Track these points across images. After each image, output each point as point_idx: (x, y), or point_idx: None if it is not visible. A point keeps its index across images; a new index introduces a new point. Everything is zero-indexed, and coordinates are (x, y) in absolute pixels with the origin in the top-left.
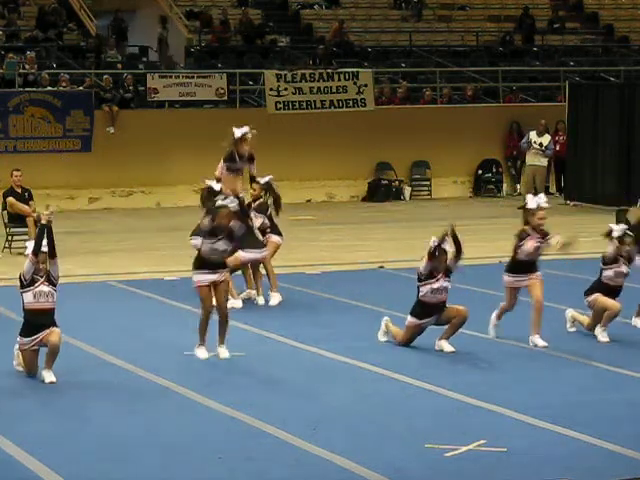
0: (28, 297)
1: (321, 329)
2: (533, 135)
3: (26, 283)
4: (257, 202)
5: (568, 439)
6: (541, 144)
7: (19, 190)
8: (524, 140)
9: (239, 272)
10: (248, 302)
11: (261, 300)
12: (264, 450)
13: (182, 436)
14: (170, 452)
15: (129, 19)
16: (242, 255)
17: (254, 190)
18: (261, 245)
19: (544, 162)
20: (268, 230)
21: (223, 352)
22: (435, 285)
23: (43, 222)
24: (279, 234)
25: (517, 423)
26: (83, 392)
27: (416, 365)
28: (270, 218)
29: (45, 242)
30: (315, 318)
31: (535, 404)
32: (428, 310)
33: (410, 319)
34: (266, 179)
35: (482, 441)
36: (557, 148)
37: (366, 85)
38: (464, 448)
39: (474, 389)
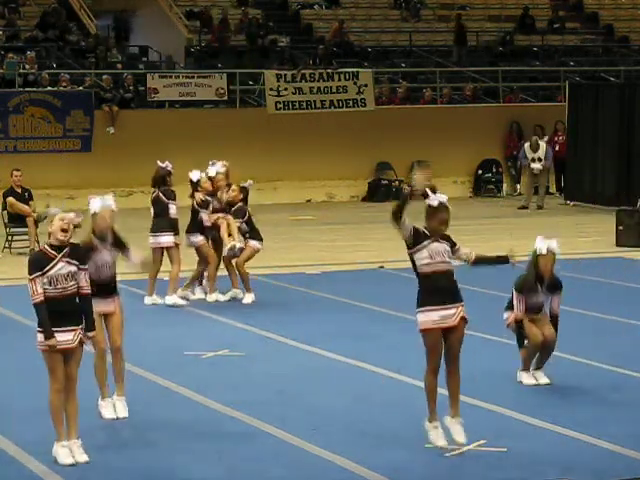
0: None
1: (321, 329)
2: (527, 150)
3: None
4: (236, 206)
5: (568, 439)
6: (540, 159)
7: (19, 190)
8: (521, 155)
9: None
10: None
11: (240, 294)
12: (264, 450)
13: (182, 436)
14: (170, 452)
15: (129, 19)
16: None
17: (233, 191)
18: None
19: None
20: (247, 235)
21: None
22: None
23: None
24: (259, 239)
25: (517, 423)
26: (82, 392)
27: (416, 365)
28: (249, 222)
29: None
30: (315, 318)
31: (535, 404)
32: None
33: None
34: (247, 183)
35: (482, 441)
36: (557, 148)
37: (366, 85)
38: (464, 448)
39: (474, 389)
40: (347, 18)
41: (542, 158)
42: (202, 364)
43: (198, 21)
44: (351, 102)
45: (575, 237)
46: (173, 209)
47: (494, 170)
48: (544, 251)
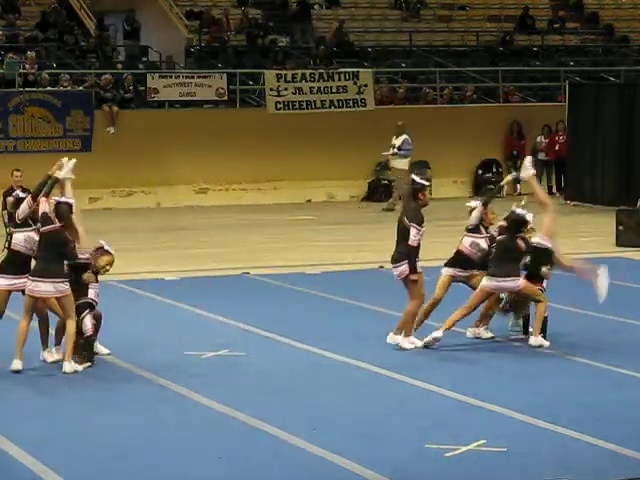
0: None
1: (321, 329)
2: (393, 138)
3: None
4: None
5: (568, 439)
6: (393, 145)
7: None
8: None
9: None
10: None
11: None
12: (264, 450)
13: (182, 436)
14: (170, 452)
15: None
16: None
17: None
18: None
19: (401, 164)
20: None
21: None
22: None
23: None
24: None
25: (517, 423)
26: (83, 392)
27: (416, 365)
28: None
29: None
30: (315, 318)
31: (535, 404)
32: None
33: None
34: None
35: (482, 441)
36: (557, 148)
37: (366, 85)
38: (464, 448)
39: (474, 389)
40: (347, 18)
41: (397, 147)
42: (202, 364)
43: (198, 21)
44: (351, 102)
45: (575, 237)
46: None
47: (494, 170)
48: None
